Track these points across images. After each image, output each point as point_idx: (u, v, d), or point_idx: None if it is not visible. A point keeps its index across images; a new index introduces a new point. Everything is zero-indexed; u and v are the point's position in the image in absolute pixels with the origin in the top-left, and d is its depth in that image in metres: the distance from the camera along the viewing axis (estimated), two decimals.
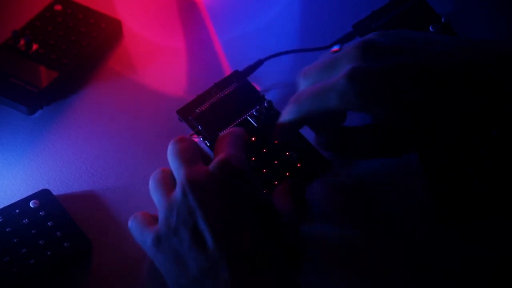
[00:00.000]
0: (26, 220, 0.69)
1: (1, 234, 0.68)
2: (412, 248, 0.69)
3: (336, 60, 0.64)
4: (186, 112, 0.74)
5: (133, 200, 0.73)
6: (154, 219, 0.66)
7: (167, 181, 0.66)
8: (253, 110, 0.74)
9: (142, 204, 0.71)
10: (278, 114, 0.74)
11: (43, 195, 0.71)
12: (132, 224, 0.66)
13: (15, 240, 0.67)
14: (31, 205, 0.70)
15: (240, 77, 0.77)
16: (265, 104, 0.74)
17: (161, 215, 0.64)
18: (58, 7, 0.86)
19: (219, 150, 0.66)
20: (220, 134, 0.69)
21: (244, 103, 0.75)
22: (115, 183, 0.74)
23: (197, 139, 0.72)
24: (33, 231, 0.68)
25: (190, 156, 0.65)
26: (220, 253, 0.60)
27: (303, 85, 0.67)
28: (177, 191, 0.63)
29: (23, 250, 0.67)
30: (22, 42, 0.82)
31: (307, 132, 0.73)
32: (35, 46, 0.82)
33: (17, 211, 0.69)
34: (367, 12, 0.82)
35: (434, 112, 0.62)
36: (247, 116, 0.74)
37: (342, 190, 0.73)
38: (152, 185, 0.66)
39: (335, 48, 0.67)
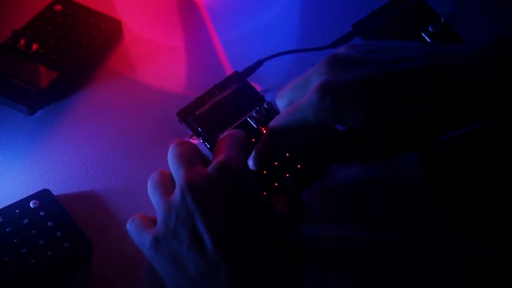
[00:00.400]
0: (26, 220, 0.69)
1: (1, 234, 0.68)
2: (412, 248, 0.69)
3: (307, 77, 0.66)
4: (186, 114, 0.74)
5: (133, 200, 0.73)
6: (152, 221, 0.66)
7: (166, 183, 0.65)
8: (253, 112, 0.74)
9: (142, 204, 0.71)
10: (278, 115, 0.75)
11: (43, 195, 0.71)
12: (130, 226, 0.66)
13: (15, 240, 0.67)
14: (31, 205, 0.70)
15: (240, 78, 0.77)
16: (265, 105, 0.74)
17: (159, 217, 0.64)
18: (58, 7, 0.86)
19: (218, 152, 0.65)
20: (220, 136, 0.69)
21: (244, 104, 0.75)
22: (115, 183, 0.74)
23: (197, 141, 0.72)
24: (33, 231, 0.68)
25: (190, 158, 0.65)
26: (219, 255, 0.60)
27: (280, 105, 0.68)
28: (176, 193, 0.63)
29: (23, 250, 0.67)
30: (22, 42, 0.82)
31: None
32: (35, 46, 0.82)
33: (17, 211, 0.69)
34: (367, 12, 0.82)
35: (400, 119, 0.63)
36: (247, 117, 0.74)
37: (342, 190, 0.73)
38: (150, 186, 0.66)
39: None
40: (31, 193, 0.71)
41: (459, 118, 0.62)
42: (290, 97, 0.67)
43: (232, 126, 0.73)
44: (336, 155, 0.69)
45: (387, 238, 0.70)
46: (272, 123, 0.66)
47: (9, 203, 0.70)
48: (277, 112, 0.74)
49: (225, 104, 0.74)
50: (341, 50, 0.66)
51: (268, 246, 0.61)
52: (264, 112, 0.74)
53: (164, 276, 0.63)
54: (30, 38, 0.82)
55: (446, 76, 0.62)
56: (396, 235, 0.70)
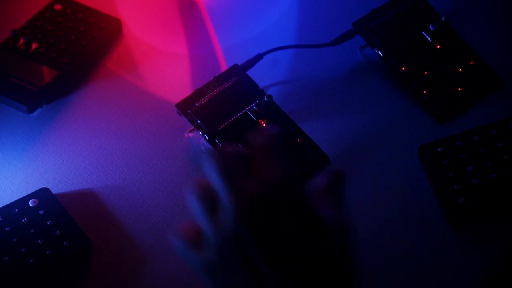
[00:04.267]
0: (26, 219, 0.69)
1: (0, 234, 0.68)
2: (412, 248, 0.69)
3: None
4: (185, 106, 0.74)
5: (133, 198, 0.73)
6: (198, 236, 0.58)
7: (211, 199, 0.57)
8: (253, 105, 0.74)
9: (142, 203, 0.71)
10: (278, 108, 0.74)
11: (43, 194, 0.71)
12: (178, 244, 0.58)
13: (14, 240, 0.67)
14: (30, 204, 0.70)
15: (240, 71, 0.76)
16: (265, 99, 0.73)
17: (212, 241, 0.56)
18: (57, 7, 0.86)
19: (262, 159, 0.57)
20: (255, 138, 0.58)
21: (243, 97, 0.74)
22: (114, 181, 0.74)
23: (197, 133, 0.72)
24: (32, 230, 0.68)
25: (235, 171, 0.56)
26: None
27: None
28: (228, 219, 0.55)
29: (22, 250, 0.67)
30: (21, 41, 0.82)
31: (307, 129, 0.73)
32: (34, 46, 0.82)
33: (16, 210, 0.69)
34: (367, 10, 0.82)
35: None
36: (246, 110, 0.74)
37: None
38: (194, 203, 0.57)
39: None
40: (30, 192, 0.71)
41: None
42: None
43: (232, 119, 0.73)
44: None
45: (386, 237, 0.70)
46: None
47: (8, 202, 0.70)
48: (277, 106, 0.74)
49: (225, 97, 0.74)
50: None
51: (330, 272, 0.55)
52: (264, 105, 0.73)
53: None
54: (30, 38, 0.82)
55: None
56: (396, 235, 0.70)
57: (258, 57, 0.80)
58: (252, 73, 0.78)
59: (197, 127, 0.72)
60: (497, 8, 0.86)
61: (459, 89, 0.78)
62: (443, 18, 0.80)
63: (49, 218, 0.69)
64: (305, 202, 0.55)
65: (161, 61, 0.84)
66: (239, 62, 0.79)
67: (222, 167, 0.56)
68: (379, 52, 0.80)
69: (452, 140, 0.74)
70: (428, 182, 0.73)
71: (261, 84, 0.76)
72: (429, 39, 0.80)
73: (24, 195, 0.71)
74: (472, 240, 0.70)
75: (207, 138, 0.71)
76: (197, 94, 0.74)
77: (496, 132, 0.73)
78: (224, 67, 0.84)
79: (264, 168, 0.56)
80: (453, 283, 0.67)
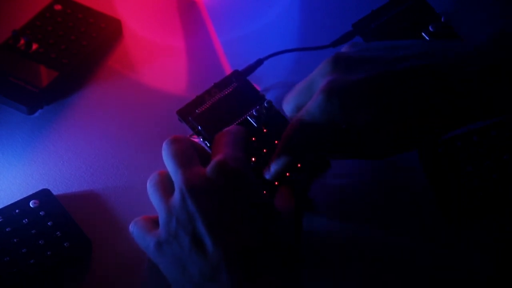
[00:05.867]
0: (26, 220, 0.69)
1: (1, 234, 0.68)
2: (413, 247, 0.69)
3: (310, 79, 0.66)
4: (186, 113, 0.74)
5: (133, 199, 0.73)
6: (155, 223, 0.66)
7: (165, 185, 0.65)
8: (253, 110, 0.74)
9: (142, 204, 0.71)
10: (278, 114, 0.75)
11: (43, 195, 0.71)
12: (133, 229, 0.66)
13: (15, 240, 0.67)
14: (31, 205, 0.70)
15: (240, 77, 0.77)
16: (265, 104, 0.74)
17: (161, 220, 0.64)
18: (58, 7, 0.86)
19: (216, 150, 0.65)
20: (218, 132, 0.68)
21: (244, 103, 0.75)
22: (115, 182, 0.74)
23: (197, 140, 0.72)
24: (33, 231, 0.68)
25: (187, 158, 0.65)
26: (219, 257, 0.60)
27: (286, 110, 0.68)
28: (176, 196, 0.63)
29: (23, 250, 0.67)
30: (22, 41, 0.82)
31: None
32: (35, 46, 0.82)
33: (17, 211, 0.69)
34: (367, 11, 0.82)
35: (405, 116, 0.63)
36: (247, 116, 0.74)
37: (342, 190, 0.73)
38: (150, 189, 0.66)
39: None
40: (31, 192, 0.71)
41: (460, 116, 0.62)
42: (295, 101, 0.67)
43: (232, 125, 0.73)
44: (338, 152, 0.69)
45: (387, 237, 0.70)
46: (285, 135, 0.66)
47: (9, 203, 0.70)
48: (277, 111, 0.74)
49: (225, 103, 0.74)
50: (343, 49, 0.66)
51: (268, 246, 0.61)
52: (264, 111, 0.74)
53: (170, 278, 0.63)
54: (30, 38, 0.82)
55: (447, 74, 0.62)
56: (396, 235, 0.70)
57: (259, 63, 0.80)
58: (252, 76, 0.78)
59: (198, 134, 0.72)
60: (497, 8, 0.86)
61: None
62: (443, 19, 0.80)
63: (49, 219, 0.69)
64: (250, 183, 0.63)
65: (161, 61, 0.84)
66: (239, 61, 0.79)
67: (175, 152, 0.65)
68: None
69: (452, 140, 0.74)
70: (428, 183, 0.73)
71: (261, 87, 0.76)
72: (428, 39, 0.80)
73: (24, 196, 0.71)
74: (472, 240, 0.70)
75: (208, 145, 0.71)
76: (197, 100, 0.74)
77: (496, 132, 0.73)
78: (224, 63, 0.84)
79: (217, 155, 0.64)
80: (453, 283, 0.67)
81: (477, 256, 0.69)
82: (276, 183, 0.70)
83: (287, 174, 0.71)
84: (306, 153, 0.67)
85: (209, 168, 0.63)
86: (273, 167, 0.67)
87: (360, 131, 0.64)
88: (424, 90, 0.62)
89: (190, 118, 0.73)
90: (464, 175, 0.72)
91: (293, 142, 0.66)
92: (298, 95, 0.67)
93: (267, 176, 0.68)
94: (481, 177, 0.71)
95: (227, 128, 0.69)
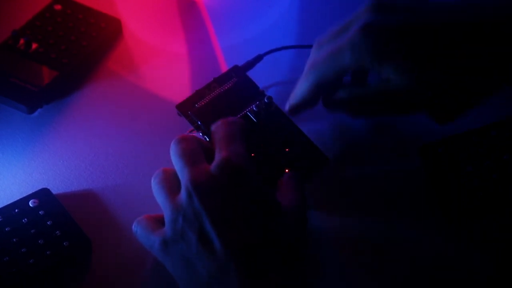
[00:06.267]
0: (26, 219, 0.69)
1: (0, 234, 0.67)
2: (412, 247, 0.69)
3: (348, 23, 0.65)
4: (186, 107, 0.74)
5: (133, 198, 0.73)
6: (158, 222, 0.65)
7: (171, 182, 0.65)
8: (253, 106, 0.74)
9: (142, 203, 0.71)
10: (278, 110, 0.75)
11: (43, 194, 0.71)
12: (137, 229, 0.66)
13: (14, 240, 0.67)
14: (30, 204, 0.70)
15: (240, 72, 0.76)
16: (266, 100, 0.74)
17: (166, 218, 0.63)
18: (58, 7, 0.86)
19: (219, 144, 0.65)
20: (215, 122, 0.68)
21: (243, 98, 0.74)
22: (114, 181, 0.74)
23: (197, 134, 0.72)
24: (32, 231, 0.68)
25: (193, 156, 0.65)
26: (227, 255, 0.59)
27: (317, 53, 0.67)
28: (182, 194, 0.63)
29: (22, 250, 0.67)
30: (21, 41, 0.82)
31: (306, 129, 0.73)
32: (34, 46, 0.82)
33: (16, 210, 0.69)
34: None
35: (441, 69, 0.62)
36: (247, 111, 0.74)
37: (341, 186, 0.73)
38: (155, 186, 0.66)
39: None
40: (30, 192, 0.71)
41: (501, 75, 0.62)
42: (330, 42, 0.66)
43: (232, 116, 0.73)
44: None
45: (386, 237, 0.70)
46: (310, 64, 0.66)
47: (9, 202, 0.70)
48: (277, 107, 0.74)
49: (225, 98, 0.74)
50: None
51: (268, 243, 0.61)
52: (264, 106, 0.73)
53: (176, 276, 0.62)
54: (30, 38, 0.82)
55: (495, 31, 0.61)
56: (396, 234, 0.70)
57: (258, 58, 0.80)
58: (251, 73, 0.78)
59: (198, 128, 0.72)
60: None
61: None
62: None
63: (49, 218, 0.69)
64: (251, 180, 0.63)
65: (161, 61, 0.84)
66: (239, 62, 0.79)
67: (182, 151, 0.65)
68: None
69: (452, 141, 0.74)
70: (428, 183, 0.73)
71: (261, 85, 0.76)
72: None
73: (24, 195, 0.71)
74: (472, 240, 0.70)
75: (207, 139, 0.71)
76: (197, 95, 0.74)
77: (496, 133, 0.73)
78: (224, 66, 0.84)
79: (220, 151, 0.64)
80: (453, 283, 0.67)
81: (477, 256, 0.69)
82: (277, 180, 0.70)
83: (286, 170, 0.71)
84: (322, 89, 0.67)
85: (213, 166, 0.63)
86: (293, 98, 0.68)
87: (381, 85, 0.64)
88: (465, 45, 0.61)
89: (189, 112, 0.73)
90: (464, 175, 0.72)
91: (316, 74, 0.65)
92: (335, 38, 0.66)
93: (287, 107, 0.69)
94: (481, 177, 0.71)
95: (227, 118, 0.68)
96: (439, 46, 0.62)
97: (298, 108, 0.71)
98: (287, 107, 0.72)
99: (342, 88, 0.68)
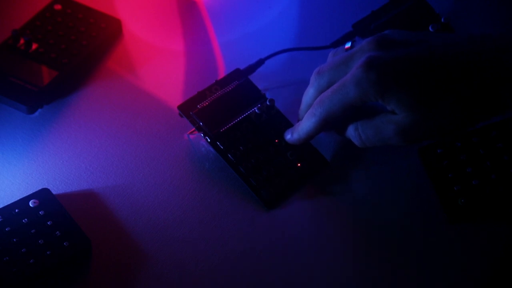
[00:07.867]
0: (26, 219, 0.69)
1: (0, 234, 0.67)
2: (413, 247, 0.69)
3: (350, 56, 0.66)
4: (187, 108, 0.74)
5: (133, 199, 0.72)
6: None
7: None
8: (255, 108, 0.74)
9: (142, 203, 0.71)
10: (279, 113, 0.75)
11: (43, 195, 0.71)
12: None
13: (14, 240, 0.67)
14: (30, 204, 0.70)
15: (241, 75, 0.77)
16: (268, 103, 0.74)
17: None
18: (58, 7, 0.86)
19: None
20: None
21: (245, 100, 0.75)
22: (115, 182, 0.74)
23: (198, 135, 0.72)
24: (32, 231, 0.68)
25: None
26: None
27: (318, 84, 0.68)
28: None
29: (22, 250, 0.67)
30: (22, 41, 0.82)
31: None
32: (34, 46, 0.82)
33: (16, 210, 0.69)
34: (366, 12, 0.82)
35: (441, 102, 0.63)
36: (248, 113, 0.74)
37: (342, 189, 0.73)
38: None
39: (348, 45, 0.69)
40: (30, 192, 0.71)
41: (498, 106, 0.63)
42: (330, 75, 0.67)
43: (234, 122, 0.73)
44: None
45: (386, 237, 0.70)
46: (318, 100, 0.66)
47: (9, 203, 0.70)
48: (278, 110, 0.75)
49: (227, 100, 0.74)
50: (386, 32, 0.67)
51: None
52: (265, 109, 0.74)
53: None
54: (30, 38, 0.82)
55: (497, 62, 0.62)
56: (396, 234, 0.70)
57: (260, 62, 0.80)
58: (252, 74, 0.78)
59: (199, 129, 0.72)
60: (497, 9, 0.86)
61: None
62: (442, 19, 0.80)
63: (49, 218, 0.69)
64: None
65: (161, 61, 0.84)
66: (239, 62, 0.79)
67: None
68: None
69: (452, 141, 0.74)
70: (428, 183, 0.73)
71: (261, 87, 0.76)
72: None
73: (24, 195, 0.71)
74: (472, 240, 0.70)
75: (209, 140, 0.71)
76: (199, 96, 0.74)
77: (495, 133, 0.73)
78: (223, 66, 0.84)
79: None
80: (453, 283, 0.67)
81: (477, 256, 0.69)
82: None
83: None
84: (329, 124, 0.68)
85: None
86: (298, 132, 0.69)
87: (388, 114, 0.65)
88: (462, 77, 0.62)
89: (191, 113, 0.73)
90: (464, 175, 0.72)
91: (323, 110, 0.66)
92: (335, 69, 0.67)
93: (288, 137, 0.69)
94: (480, 177, 0.71)
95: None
96: (441, 80, 0.62)
97: (301, 142, 0.71)
98: (288, 137, 0.72)
99: (352, 124, 0.69)
